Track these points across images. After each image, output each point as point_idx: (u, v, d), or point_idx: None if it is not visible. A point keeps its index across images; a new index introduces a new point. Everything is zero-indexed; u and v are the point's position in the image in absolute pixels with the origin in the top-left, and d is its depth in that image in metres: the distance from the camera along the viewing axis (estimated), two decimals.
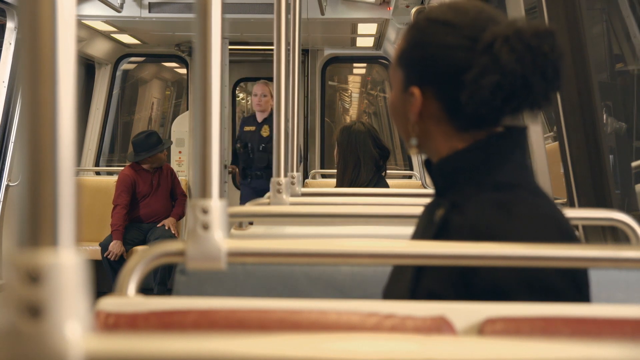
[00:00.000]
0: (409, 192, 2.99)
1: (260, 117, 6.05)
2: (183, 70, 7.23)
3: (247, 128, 6.11)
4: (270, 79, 2.58)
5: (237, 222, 2.02)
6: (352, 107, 11.12)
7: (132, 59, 7.26)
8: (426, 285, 1.17)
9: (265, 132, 6.02)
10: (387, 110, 6.45)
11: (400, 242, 1.05)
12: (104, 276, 5.29)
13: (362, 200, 2.40)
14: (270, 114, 5.85)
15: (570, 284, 1.11)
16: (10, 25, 4.68)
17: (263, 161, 6.07)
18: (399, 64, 1.29)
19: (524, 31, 1.13)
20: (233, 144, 6.35)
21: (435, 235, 1.22)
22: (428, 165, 1.29)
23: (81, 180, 6.09)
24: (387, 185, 3.53)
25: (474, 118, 1.19)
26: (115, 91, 6.84)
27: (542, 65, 1.12)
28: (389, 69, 1.33)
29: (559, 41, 1.15)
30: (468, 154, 1.21)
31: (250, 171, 6.03)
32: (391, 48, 6.07)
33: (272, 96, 5.85)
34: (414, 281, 1.20)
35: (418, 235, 1.31)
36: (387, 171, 3.60)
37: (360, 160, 3.41)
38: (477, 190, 1.18)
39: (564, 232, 1.16)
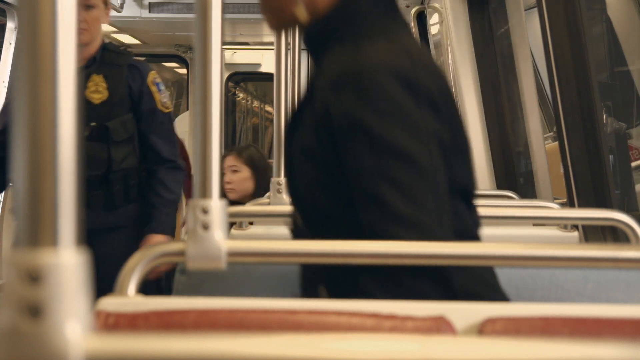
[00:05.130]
0: None
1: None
2: (183, 70, 7.21)
3: None
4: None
5: (237, 222, 2.02)
6: None
7: (132, 59, 7.20)
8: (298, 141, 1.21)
9: (97, 93, 2.64)
10: None
11: (400, 242, 1.05)
12: None
13: None
14: (104, 48, 2.81)
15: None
16: (10, 25, 4.67)
17: (94, 165, 2.52)
18: None
19: None
20: None
21: (302, 105, 1.24)
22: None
23: None
24: None
25: None
26: None
27: None
28: None
29: None
30: (327, 17, 1.23)
31: None
32: None
33: (107, 9, 2.93)
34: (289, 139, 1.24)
35: None
36: None
37: None
38: (340, 49, 1.20)
39: (417, 62, 1.16)
